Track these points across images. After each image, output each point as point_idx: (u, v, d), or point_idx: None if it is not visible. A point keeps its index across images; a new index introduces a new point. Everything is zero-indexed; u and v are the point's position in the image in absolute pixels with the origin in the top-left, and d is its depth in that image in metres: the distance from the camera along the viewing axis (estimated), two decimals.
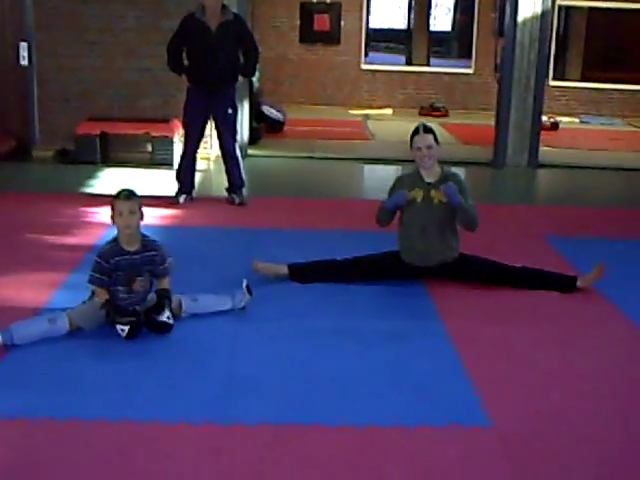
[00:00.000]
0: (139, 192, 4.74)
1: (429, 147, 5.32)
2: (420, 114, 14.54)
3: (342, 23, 15.22)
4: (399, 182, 5.55)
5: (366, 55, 15.45)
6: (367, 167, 10.19)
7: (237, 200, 7.69)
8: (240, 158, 7.81)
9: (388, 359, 4.33)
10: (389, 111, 15.08)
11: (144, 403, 3.78)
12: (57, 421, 3.58)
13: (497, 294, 5.37)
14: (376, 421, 3.66)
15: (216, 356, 4.33)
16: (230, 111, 7.61)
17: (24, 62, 9.54)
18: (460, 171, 9.80)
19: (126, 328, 4.43)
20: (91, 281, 4.55)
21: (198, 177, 8.09)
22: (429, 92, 15.35)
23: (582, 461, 3.43)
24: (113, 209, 4.57)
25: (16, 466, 3.27)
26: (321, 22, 15.06)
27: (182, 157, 7.84)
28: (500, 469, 3.36)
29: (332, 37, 15.19)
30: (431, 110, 14.62)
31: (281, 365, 4.23)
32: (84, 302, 4.64)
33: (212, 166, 9.54)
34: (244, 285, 4.89)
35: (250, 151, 10.18)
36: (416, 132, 5.38)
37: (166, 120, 9.58)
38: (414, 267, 5.46)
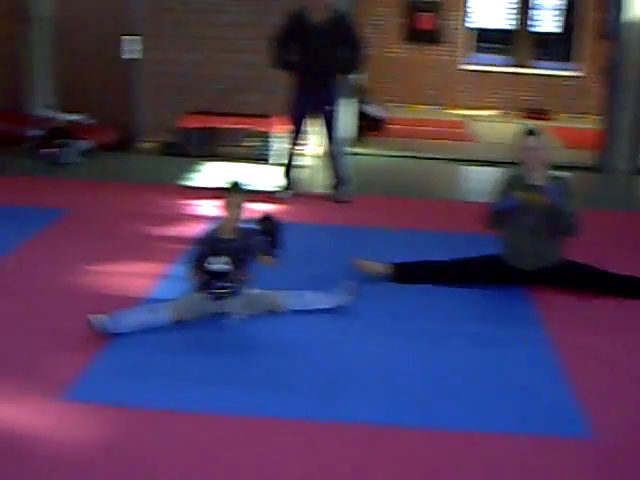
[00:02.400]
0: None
1: (536, 149, 5.21)
2: (523, 116, 14.29)
3: (445, 22, 15.06)
4: (506, 183, 5.45)
5: (469, 55, 15.25)
6: (469, 168, 10.04)
7: (339, 197, 7.69)
8: (343, 155, 7.81)
9: (489, 365, 4.26)
10: (492, 112, 14.87)
11: (242, 397, 3.79)
12: (155, 410, 3.63)
13: (601, 302, 5.22)
14: (476, 427, 3.60)
15: (315, 353, 4.32)
16: (332, 108, 7.61)
17: (131, 55, 9.71)
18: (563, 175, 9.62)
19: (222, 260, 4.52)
20: (190, 265, 4.62)
21: (302, 173, 8.10)
22: (533, 94, 15.05)
23: None
24: (224, 199, 4.63)
25: (113, 450, 3.32)
26: (424, 21, 14.93)
27: (288, 153, 7.88)
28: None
29: (435, 36, 15.03)
30: (535, 112, 14.35)
31: (381, 365, 4.20)
32: (187, 293, 4.69)
33: (316, 163, 9.54)
34: (350, 284, 4.88)
35: (353, 149, 10.14)
36: (524, 133, 5.28)
37: (266, 116, 9.63)
38: (517, 270, 5.35)
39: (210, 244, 4.61)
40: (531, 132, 5.26)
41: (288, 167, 7.85)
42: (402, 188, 8.60)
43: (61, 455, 3.25)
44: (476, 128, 13.18)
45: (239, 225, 4.70)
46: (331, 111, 7.63)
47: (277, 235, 4.75)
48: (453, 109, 14.89)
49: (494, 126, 13.39)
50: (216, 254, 4.57)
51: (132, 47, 9.70)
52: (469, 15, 15.14)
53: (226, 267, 4.56)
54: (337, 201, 7.68)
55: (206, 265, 4.56)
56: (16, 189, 7.66)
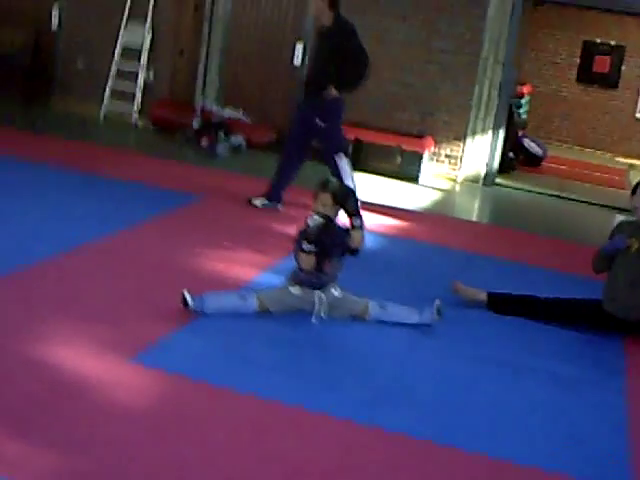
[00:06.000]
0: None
1: None
2: None
3: (623, 67, 14.74)
4: (619, 228, 5.44)
5: None
6: (616, 215, 9.80)
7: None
8: (348, 172, 7.24)
9: (551, 403, 4.24)
10: None
11: (297, 389, 3.94)
12: (213, 386, 3.82)
13: None
14: (512, 458, 3.60)
15: (383, 363, 4.42)
16: (318, 122, 7.07)
17: (297, 62, 10.06)
18: None
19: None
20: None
21: (441, 196, 8.17)
22: None
23: None
24: (315, 196, 4.86)
25: (157, 413, 3.54)
26: (601, 63, 14.66)
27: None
28: None
29: (610, 80, 14.73)
30: None
31: (443, 385, 4.26)
32: (279, 286, 4.89)
33: (458, 188, 9.60)
34: (435, 305, 4.94)
35: (499, 180, 10.14)
36: (633, 191, 5.23)
37: (420, 136, 9.75)
38: (614, 319, 5.27)
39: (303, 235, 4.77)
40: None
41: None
42: (537, 225, 8.54)
43: (109, 408, 3.50)
44: (636, 178, 12.83)
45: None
46: (319, 125, 7.09)
47: (350, 200, 4.83)
48: (622, 157, 14.53)
49: None
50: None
51: (300, 54, 10.04)
52: None
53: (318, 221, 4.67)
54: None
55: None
56: (164, 172, 8.14)
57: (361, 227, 4.84)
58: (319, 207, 4.80)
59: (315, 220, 4.69)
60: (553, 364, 4.75)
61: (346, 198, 4.81)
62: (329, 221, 4.74)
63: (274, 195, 7.34)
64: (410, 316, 4.95)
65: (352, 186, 6.85)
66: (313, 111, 7.07)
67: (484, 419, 3.94)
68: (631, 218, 5.44)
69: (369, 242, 6.36)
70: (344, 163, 7.22)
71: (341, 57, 6.87)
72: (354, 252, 4.92)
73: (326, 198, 4.78)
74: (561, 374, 4.62)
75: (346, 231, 4.86)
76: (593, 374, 4.71)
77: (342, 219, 4.94)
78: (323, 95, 6.96)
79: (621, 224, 5.49)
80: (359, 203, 5.05)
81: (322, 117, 7.03)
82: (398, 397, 4.03)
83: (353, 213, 4.81)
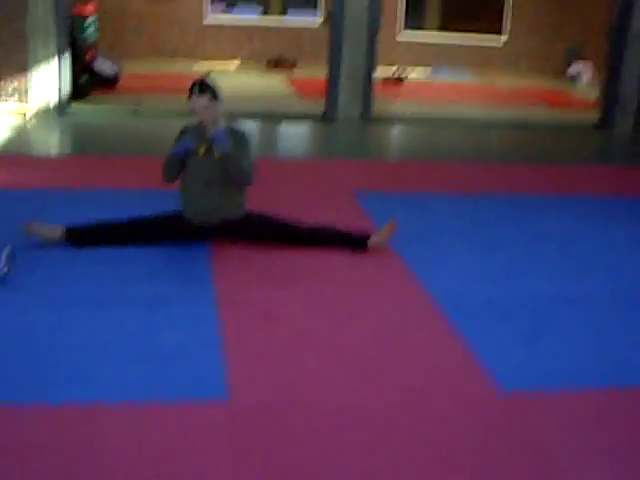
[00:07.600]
0: None
1: (205, 107, 5.05)
2: (268, 67, 14.22)
3: None
4: (184, 133, 5.31)
5: (211, 8, 14.79)
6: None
7: None
8: None
9: (143, 328, 4.06)
10: (235, 64, 14.57)
11: None
12: None
13: (284, 255, 5.13)
14: (102, 397, 3.39)
15: None
16: None
17: None
18: (295, 125, 9.60)
19: None
20: None
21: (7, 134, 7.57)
22: (279, 45, 14.80)
23: (307, 434, 3.24)
24: None
25: None
26: None
27: None
28: (221, 445, 3.13)
29: None
30: (278, 62, 14.28)
31: (19, 337, 3.90)
32: None
33: (28, 123, 9.00)
34: (4, 253, 4.52)
35: (73, 108, 9.62)
36: (190, 93, 5.08)
37: None
38: (196, 225, 5.18)
39: None
40: (198, 90, 5.06)
41: None
42: (116, 147, 8.25)
43: None
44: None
45: None
46: None
47: None
48: (197, 62, 14.42)
49: (235, 78, 13.11)
50: None
51: None
52: None
53: None
54: None
55: None
56: None
57: None
58: None
59: None
60: (142, 287, 4.57)
61: None
62: None
63: None
64: None
65: None
66: None
67: (68, 365, 3.66)
68: (194, 122, 5.27)
69: None
70: None
71: None
72: None
73: None
74: (151, 296, 4.45)
75: None
76: (182, 288, 4.61)
77: None
78: None
79: (185, 129, 5.36)
80: None
81: None
82: None
83: None
